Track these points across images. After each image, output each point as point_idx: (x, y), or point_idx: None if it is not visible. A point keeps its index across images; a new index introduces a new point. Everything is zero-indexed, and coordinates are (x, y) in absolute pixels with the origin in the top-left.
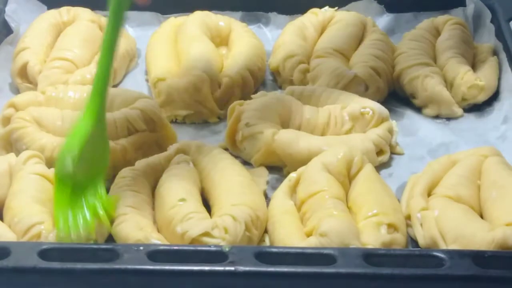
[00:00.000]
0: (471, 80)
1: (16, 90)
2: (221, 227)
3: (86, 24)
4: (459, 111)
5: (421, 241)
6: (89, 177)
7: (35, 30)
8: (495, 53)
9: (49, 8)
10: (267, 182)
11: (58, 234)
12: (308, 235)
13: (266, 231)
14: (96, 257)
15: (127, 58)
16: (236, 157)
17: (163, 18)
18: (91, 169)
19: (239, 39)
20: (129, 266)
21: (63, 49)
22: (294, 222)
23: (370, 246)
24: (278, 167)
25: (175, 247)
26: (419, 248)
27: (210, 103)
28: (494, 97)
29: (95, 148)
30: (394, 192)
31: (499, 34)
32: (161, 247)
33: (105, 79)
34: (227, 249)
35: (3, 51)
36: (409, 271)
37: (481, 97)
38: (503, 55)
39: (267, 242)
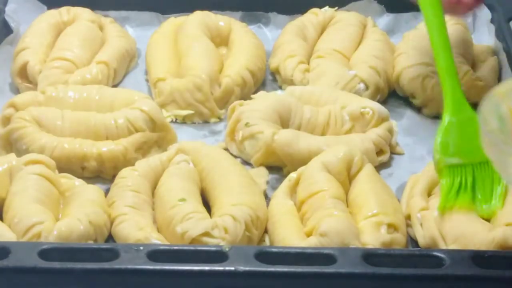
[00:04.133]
0: (471, 80)
1: (16, 90)
2: (221, 227)
3: (86, 24)
4: None
5: (421, 241)
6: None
7: (35, 30)
8: (495, 53)
9: (49, 8)
10: (267, 182)
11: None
12: (308, 235)
13: (266, 231)
14: (96, 257)
15: (127, 58)
16: (236, 157)
17: (163, 18)
18: (472, 152)
19: (239, 39)
20: (129, 266)
21: (63, 49)
22: (294, 222)
23: (370, 246)
24: (278, 167)
25: (175, 247)
26: (419, 248)
27: (210, 103)
28: None
29: (465, 134)
30: (394, 192)
31: (499, 34)
32: (161, 247)
33: (451, 70)
34: (227, 249)
35: (3, 51)
36: (409, 271)
37: (481, 97)
38: (503, 55)
39: (267, 242)
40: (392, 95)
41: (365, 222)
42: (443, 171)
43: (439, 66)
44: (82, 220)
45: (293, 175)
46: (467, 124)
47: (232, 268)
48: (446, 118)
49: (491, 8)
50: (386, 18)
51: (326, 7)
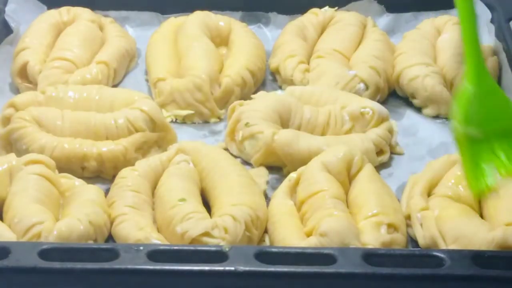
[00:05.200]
0: None
1: (16, 90)
2: (221, 227)
3: (86, 24)
4: None
5: (421, 241)
6: (493, 129)
7: (35, 30)
8: (495, 53)
9: (49, 8)
10: (267, 182)
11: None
12: (308, 235)
13: (266, 231)
14: (96, 257)
15: (127, 58)
16: (236, 157)
17: (163, 18)
18: (491, 123)
19: (239, 39)
20: (129, 266)
21: (63, 49)
22: (294, 222)
23: (370, 246)
24: (278, 167)
25: (175, 247)
26: (419, 248)
27: (210, 103)
28: None
29: (485, 106)
30: (394, 192)
31: (499, 34)
32: (161, 247)
33: (474, 39)
34: (227, 249)
35: (3, 51)
36: (409, 271)
37: None
38: (503, 55)
39: (267, 242)
40: (392, 95)
41: (365, 222)
42: (462, 143)
43: (464, 34)
44: (82, 220)
45: (293, 175)
46: (488, 94)
47: (232, 268)
48: (466, 86)
49: (491, 8)
50: (386, 18)
51: (326, 7)
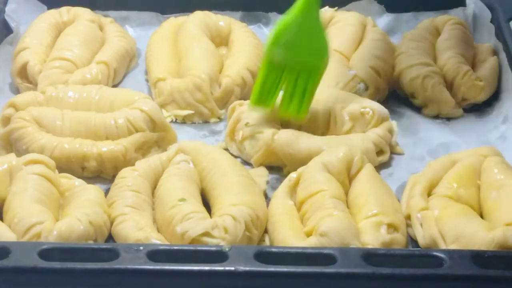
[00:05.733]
0: (471, 80)
1: (16, 90)
2: (221, 227)
3: (86, 24)
4: (459, 111)
5: (421, 241)
6: (301, 65)
7: (35, 30)
8: (495, 53)
9: (49, 8)
10: (267, 182)
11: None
12: (308, 235)
13: (266, 231)
14: (96, 257)
15: (127, 58)
16: (236, 157)
17: (163, 18)
18: (302, 58)
19: (239, 39)
20: (129, 266)
21: (63, 49)
22: (294, 222)
23: (370, 246)
24: (278, 167)
25: (175, 247)
26: (419, 248)
27: (210, 103)
28: (494, 97)
29: (304, 38)
30: (394, 192)
31: (499, 34)
32: (161, 247)
33: None
34: (227, 249)
35: (3, 51)
36: (409, 271)
37: (481, 97)
38: (503, 55)
39: (267, 242)
40: (392, 95)
41: (365, 222)
42: (265, 63)
43: None
44: (82, 220)
45: (293, 175)
46: (307, 28)
47: (232, 268)
48: (291, 13)
49: (491, 8)
50: (386, 18)
51: (326, 7)
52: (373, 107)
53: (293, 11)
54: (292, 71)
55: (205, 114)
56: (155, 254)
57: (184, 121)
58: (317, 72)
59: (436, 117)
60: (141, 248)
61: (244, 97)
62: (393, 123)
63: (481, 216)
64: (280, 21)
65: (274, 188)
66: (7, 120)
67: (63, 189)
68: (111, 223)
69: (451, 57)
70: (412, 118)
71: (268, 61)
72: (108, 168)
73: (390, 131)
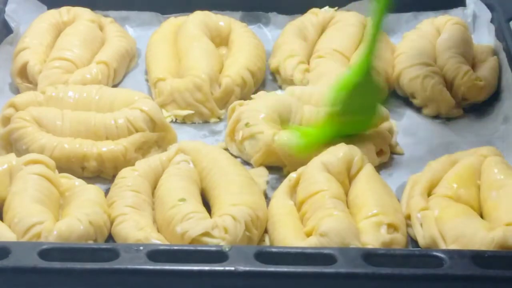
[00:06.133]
0: (471, 80)
1: (16, 90)
2: (221, 227)
3: (86, 24)
4: (459, 111)
5: (421, 241)
6: (352, 120)
7: (35, 30)
8: (495, 53)
9: (49, 8)
10: (267, 182)
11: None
12: (308, 235)
13: (266, 231)
14: (96, 257)
15: (127, 58)
16: (236, 157)
17: (163, 18)
18: (355, 116)
19: (239, 39)
20: (129, 266)
21: (63, 49)
22: (294, 222)
23: (370, 246)
24: (278, 167)
25: (175, 247)
26: (419, 248)
27: (210, 103)
28: (494, 97)
29: (362, 94)
30: (394, 192)
31: (499, 34)
32: (161, 247)
33: (375, 40)
34: (227, 249)
35: (3, 51)
36: (409, 271)
37: (481, 97)
38: (503, 55)
39: (267, 242)
40: (392, 95)
41: (365, 222)
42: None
43: (372, 28)
44: (82, 220)
45: (293, 175)
46: (363, 88)
47: (232, 268)
48: (352, 76)
49: (491, 8)
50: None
51: (326, 7)
52: None
53: (355, 71)
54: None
55: (205, 114)
56: (155, 254)
57: (184, 121)
58: (364, 127)
59: (436, 117)
60: (141, 248)
61: (244, 97)
62: (393, 123)
63: (481, 216)
64: (342, 80)
65: (274, 188)
66: (7, 120)
67: (63, 189)
68: (111, 223)
69: (451, 57)
70: (412, 118)
71: (328, 122)
72: (108, 168)
73: (390, 131)
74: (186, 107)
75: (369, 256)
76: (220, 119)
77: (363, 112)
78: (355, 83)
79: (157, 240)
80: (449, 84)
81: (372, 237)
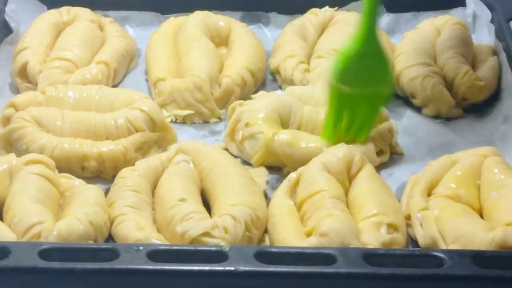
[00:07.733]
0: (471, 80)
1: (16, 90)
2: (221, 227)
3: (86, 24)
4: (459, 111)
5: (421, 241)
6: (365, 94)
7: (35, 30)
8: (495, 53)
9: (49, 8)
10: (267, 182)
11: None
12: (308, 235)
13: (266, 231)
14: (96, 257)
15: (127, 58)
16: (236, 157)
17: (163, 18)
18: (367, 88)
19: (239, 39)
20: (129, 266)
21: (63, 49)
22: (294, 222)
23: (370, 246)
24: (278, 167)
25: (175, 247)
26: (419, 248)
27: (210, 103)
28: (494, 97)
29: (368, 69)
30: (394, 192)
31: (499, 34)
32: (161, 247)
33: (373, 7)
34: (227, 249)
35: (3, 51)
36: (409, 271)
37: (481, 97)
38: (503, 55)
39: (267, 242)
40: (392, 95)
41: (365, 222)
42: (333, 99)
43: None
44: (82, 220)
45: (293, 175)
46: (370, 56)
47: (232, 268)
48: (352, 45)
49: (491, 8)
50: (386, 18)
51: (326, 7)
52: None
53: (355, 42)
54: (356, 100)
55: (205, 114)
56: (155, 254)
57: (184, 121)
58: (380, 98)
59: (436, 117)
60: (141, 248)
61: (244, 97)
62: (393, 123)
63: (481, 216)
64: (342, 53)
65: (274, 188)
66: (7, 120)
67: (63, 189)
68: (111, 223)
69: (451, 57)
70: (412, 118)
71: (335, 97)
72: (108, 168)
73: (390, 131)
74: (186, 107)
75: (369, 256)
76: (220, 119)
77: (375, 84)
78: (358, 52)
79: (157, 240)
80: (449, 84)
81: (372, 237)
